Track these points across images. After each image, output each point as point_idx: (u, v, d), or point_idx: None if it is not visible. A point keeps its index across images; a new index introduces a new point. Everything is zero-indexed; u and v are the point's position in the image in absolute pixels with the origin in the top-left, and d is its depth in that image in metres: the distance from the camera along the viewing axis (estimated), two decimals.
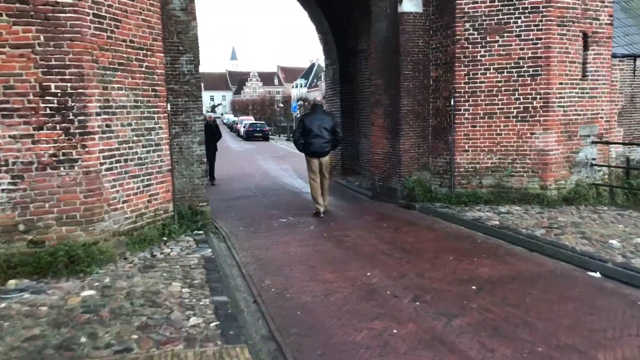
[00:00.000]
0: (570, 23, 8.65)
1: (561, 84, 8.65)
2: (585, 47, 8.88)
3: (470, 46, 8.90)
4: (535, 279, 5.38)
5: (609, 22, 9.04)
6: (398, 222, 8.29)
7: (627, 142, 10.21)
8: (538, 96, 8.63)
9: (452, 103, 9.11)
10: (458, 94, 9.04)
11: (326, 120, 9.13)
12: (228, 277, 5.61)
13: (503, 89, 8.80)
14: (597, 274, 5.46)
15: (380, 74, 10.36)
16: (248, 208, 10.13)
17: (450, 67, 9.15)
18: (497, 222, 7.58)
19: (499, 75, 8.80)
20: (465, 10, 8.87)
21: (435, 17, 9.48)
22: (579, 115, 8.90)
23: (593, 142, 9.04)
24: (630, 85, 10.40)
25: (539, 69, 8.57)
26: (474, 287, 5.14)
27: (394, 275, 5.59)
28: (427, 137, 9.79)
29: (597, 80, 9.05)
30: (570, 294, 4.90)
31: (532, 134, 8.72)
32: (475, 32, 8.86)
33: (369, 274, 5.65)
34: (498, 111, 8.87)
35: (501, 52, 8.74)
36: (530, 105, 8.69)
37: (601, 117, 9.16)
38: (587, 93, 8.94)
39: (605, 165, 9.28)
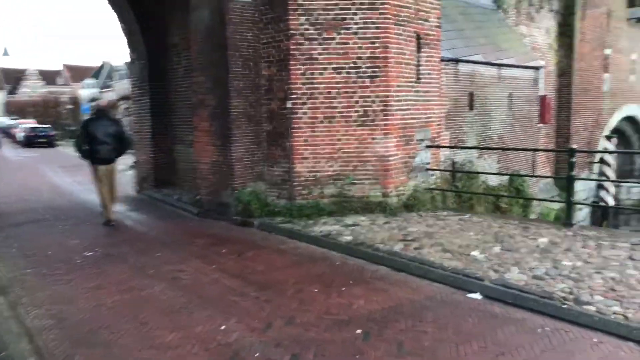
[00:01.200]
0: (405, 22, 8.33)
1: (399, 86, 8.28)
2: (419, 49, 8.66)
3: (306, 42, 8.03)
4: (420, 310, 4.61)
5: (437, 24, 8.98)
6: (239, 245, 7.01)
7: (454, 145, 10.42)
8: (377, 99, 8.12)
9: (288, 105, 8.14)
10: (295, 96, 8.10)
11: (111, 126, 8.54)
12: None
13: (342, 90, 8.11)
14: (479, 296, 4.93)
15: (204, 70, 8.92)
16: (37, 238, 7.85)
17: (284, 65, 8.16)
18: (350, 238, 6.80)
19: (338, 75, 8.08)
20: (300, 2, 7.97)
21: (265, 7, 8.39)
22: (415, 119, 8.64)
23: (427, 146, 8.89)
24: (454, 89, 10.63)
25: (378, 70, 8.07)
26: (359, 332, 4.16)
27: (257, 325, 4.33)
28: (261, 144, 8.67)
29: (429, 83, 8.91)
30: (467, 329, 4.21)
31: (372, 139, 8.18)
32: (312, 27, 8.01)
33: (223, 327, 4.31)
34: (338, 115, 8.16)
35: (339, 51, 8.04)
36: (370, 108, 8.14)
37: (433, 121, 9.06)
38: (422, 96, 8.73)
39: (437, 170, 9.23)
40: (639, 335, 3.91)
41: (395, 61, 8.21)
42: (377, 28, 8.00)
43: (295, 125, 8.14)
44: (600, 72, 16.88)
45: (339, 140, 8.19)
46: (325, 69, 8.06)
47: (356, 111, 8.14)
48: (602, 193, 16.47)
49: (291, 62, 8.05)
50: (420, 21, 8.59)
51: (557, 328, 4.15)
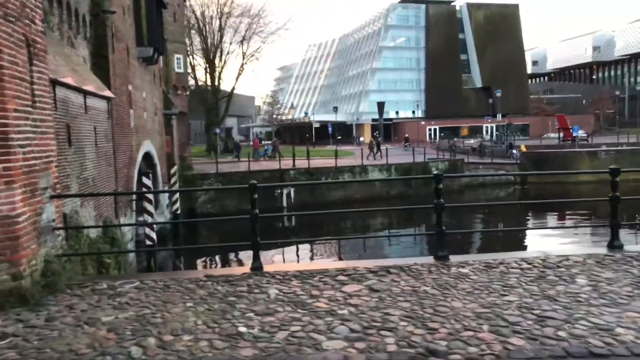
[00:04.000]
0: (13, 19, 5.67)
1: (17, 111, 5.57)
2: (30, 61, 6.09)
3: None
4: None
5: (43, 30, 6.56)
6: None
7: (80, 193, 7.80)
8: None
9: None
10: None
11: None
12: None
13: None
14: None
15: None
16: None
17: None
18: None
19: None
20: None
21: None
22: (37, 158, 6.03)
23: (51, 197, 6.38)
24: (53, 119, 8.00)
25: None
26: None
27: None
28: None
29: (44, 109, 6.40)
30: None
31: None
32: None
33: None
34: None
35: None
36: None
37: (52, 162, 6.57)
38: (39, 127, 6.16)
39: (62, 228, 6.77)
40: None
41: (10, 74, 5.49)
42: None
43: None
44: (128, 108, 16.67)
45: None
46: None
47: None
48: (147, 230, 16.31)
49: None
50: (27, 21, 6.04)
51: None
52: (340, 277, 5.96)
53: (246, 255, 18.90)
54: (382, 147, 40.88)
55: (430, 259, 6.69)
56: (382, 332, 4.31)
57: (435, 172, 7.74)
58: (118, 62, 15.40)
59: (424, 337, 4.18)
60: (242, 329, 4.50)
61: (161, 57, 23.59)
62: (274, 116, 75.16)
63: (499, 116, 62.98)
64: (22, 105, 5.67)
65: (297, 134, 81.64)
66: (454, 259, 6.65)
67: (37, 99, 6.14)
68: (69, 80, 8.19)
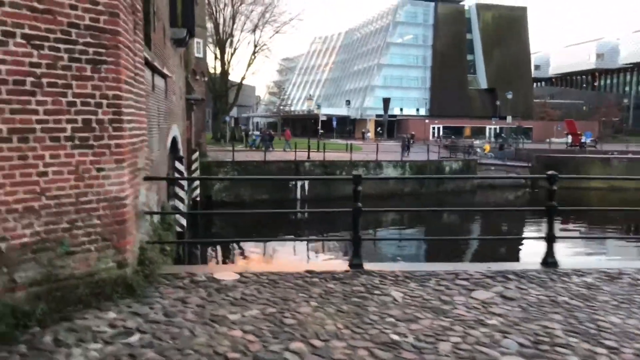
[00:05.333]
0: None
1: (127, 82, 5.09)
2: (134, 30, 5.61)
3: None
4: None
5: None
6: None
7: (167, 177, 7.30)
8: (105, 101, 4.72)
9: None
10: None
11: None
12: None
13: (47, 82, 4.29)
14: None
15: None
16: None
17: None
18: None
19: (37, 51, 4.22)
20: None
21: None
22: (137, 136, 5.55)
23: (145, 179, 5.90)
24: None
25: (104, 52, 4.69)
26: None
27: None
28: None
29: (142, 83, 5.93)
30: None
31: (99, 170, 4.71)
32: None
33: None
34: (39, 127, 4.27)
35: (36, 6, 4.21)
36: (94, 117, 4.65)
37: (145, 140, 6.09)
38: (138, 101, 5.67)
39: (154, 213, 6.30)
40: None
41: (124, 42, 5.00)
42: None
43: None
44: None
45: (42, 175, 4.31)
46: (10, 35, 4.05)
47: (70, 121, 4.48)
48: (177, 216, 15.80)
49: None
50: None
51: None
52: (460, 282, 5.54)
53: (251, 248, 18.54)
54: (387, 144, 40.48)
55: (537, 265, 6.30)
56: (558, 349, 3.90)
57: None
58: (157, 42, 14.83)
59: (610, 358, 3.77)
60: (395, 337, 4.08)
61: None
62: (280, 107, 74.40)
63: (509, 118, 62.62)
64: (129, 77, 5.19)
65: (300, 126, 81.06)
66: (564, 265, 6.26)
67: (137, 71, 5.65)
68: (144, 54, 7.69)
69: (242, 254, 18.51)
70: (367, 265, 6.10)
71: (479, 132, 78.49)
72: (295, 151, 32.09)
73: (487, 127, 79.25)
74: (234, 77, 54.62)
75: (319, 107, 55.49)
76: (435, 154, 35.93)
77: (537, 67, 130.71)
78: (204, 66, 32.30)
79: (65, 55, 4.40)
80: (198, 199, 23.65)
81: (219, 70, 49.78)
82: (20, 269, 4.18)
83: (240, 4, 48.92)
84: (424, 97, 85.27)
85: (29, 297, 4.22)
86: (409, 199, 31.97)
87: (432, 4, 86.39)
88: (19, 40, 4.09)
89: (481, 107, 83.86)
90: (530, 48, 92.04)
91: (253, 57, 50.79)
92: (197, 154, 23.43)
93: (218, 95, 49.76)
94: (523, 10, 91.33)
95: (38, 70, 4.23)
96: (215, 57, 49.48)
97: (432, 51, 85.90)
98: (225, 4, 47.77)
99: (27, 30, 4.14)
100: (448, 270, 5.97)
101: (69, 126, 4.45)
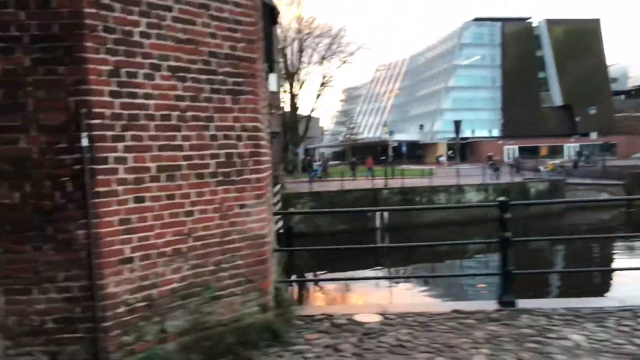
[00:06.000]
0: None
1: (263, 113, 4.78)
2: (262, 56, 5.36)
3: (116, 5, 3.62)
4: None
5: None
6: None
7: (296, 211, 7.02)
8: (245, 133, 4.42)
9: (84, 143, 3.44)
10: (98, 121, 3.50)
11: None
12: None
13: (190, 115, 4.03)
14: None
15: None
16: None
17: (67, 50, 3.44)
18: None
19: (180, 83, 3.98)
20: None
21: None
22: (271, 168, 5.23)
23: (274, 214, 5.55)
24: None
25: (243, 80, 4.41)
26: None
27: None
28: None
29: (270, 112, 5.66)
30: None
31: (241, 207, 4.38)
32: None
33: None
34: (185, 164, 4.00)
35: (180, 35, 3.98)
36: (235, 150, 4.34)
37: (271, 169, 5.78)
38: (268, 128, 5.38)
39: (283, 250, 5.93)
40: None
41: (261, 69, 4.73)
42: (237, 4, 4.37)
43: (101, 188, 3.51)
44: None
45: (188, 214, 4.01)
46: (156, 67, 3.83)
47: (214, 156, 4.19)
48: None
49: (86, 41, 3.45)
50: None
51: None
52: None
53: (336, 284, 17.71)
54: (460, 167, 39.10)
55: None
56: None
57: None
58: None
59: None
60: None
61: None
62: (348, 135, 74.43)
63: (594, 134, 59.32)
64: (263, 107, 4.88)
65: (368, 153, 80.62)
66: None
67: (265, 101, 5.36)
68: None
69: (346, 289, 17.74)
70: (520, 303, 5.42)
71: (555, 151, 74.99)
72: (372, 179, 31.56)
73: (565, 145, 75.66)
74: (300, 109, 55.32)
75: (392, 133, 54.94)
76: (509, 176, 34.33)
77: (613, 79, 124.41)
78: (277, 100, 32.68)
79: (207, 87, 4.14)
80: (281, 231, 23.52)
81: (288, 103, 50.50)
82: (170, 318, 3.86)
83: (307, 37, 49.71)
84: (495, 118, 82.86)
85: (179, 348, 3.88)
86: (494, 225, 30.43)
87: (499, 23, 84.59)
88: (164, 72, 3.86)
89: (557, 125, 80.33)
90: (606, 61, 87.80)
91: (321, 88, 51.23)
92: (278, 186, 23.39)
93: (288, 128, 50.33)
94: (596, 22, 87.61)
95: (182, 104, 3.98)
96: (284, 90, 50.30)
97: (502, 71, 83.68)
98: (293, 38, 48.69)
99: (172, 62, 3.91)
100: (618, 306, 5.18)
101: (212, 161, 4.16)
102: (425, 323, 4.91)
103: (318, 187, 31.57)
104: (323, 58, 50.95)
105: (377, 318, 5.10)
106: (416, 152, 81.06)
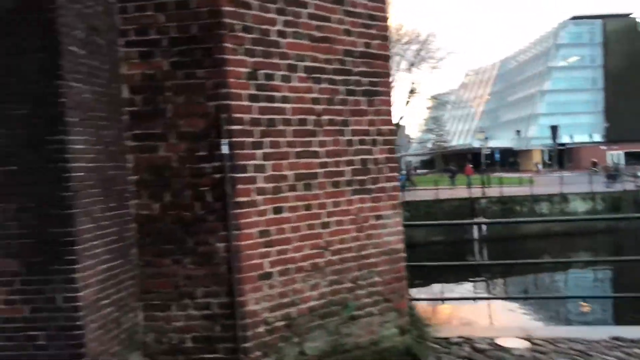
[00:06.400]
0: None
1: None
2: None
3: (254, 2, 3.40)
4: None
5: None
6: None
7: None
8: (380, 138, 4.06)
9: (224, 150, 3.23)
10: (238, 127, 3.28)
11: None
12: None
13: (325, 119, 3.74)
14: None
15: None
16: None
17: (205, 53, 3.25)
18: None
19: (315, 85, 3.70)
20: None
21: None
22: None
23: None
24: None
25: (377, 80, 4.06)
26: None
27: None
28: (129, 252, 3.30)
29: None
30: None
31: (377, 218, 4.02)
32: None
33: None
34: (321, 171, 3.70)
35: (315, 33, 3.70)
36: (370, 157, 4.00)
37: None
38: None
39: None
40: None
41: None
42: None
43: (242, 198, 3.28)
44: None
45: (324, 226, 3.70)
46: (292, 69, 3.57)
47: (349, 162, 3.87)
48: None
49: (225, 42, 3.25)
50: None
51: None
52: None
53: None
54: (560, 175, 36.52)
55: None
56: None
57: None
58: None
59: None
60: None
61: None
62: (437, 143, 72.71)
63: None
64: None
65: (457, 160, 78.24)
66: None
67: None
68: None
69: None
70: None
71: None
72: (472, 187, 30.33)
73: None
74: None
75: (487, 139, 52.94)
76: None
77: None
78: None
79: (342, 88, 3.84)
80: None
81: None
82: (309, 339, 3.56)
83: (396, 44, 49.05)
84: (597, 122, 77.55)
85: None
86: (602, 237, 28.15)
87: (599, 21, 79.32)
88: (301, 74, 3.60)
89: None
90: None
91: (410, 95, 50.30)
92: None
93: None
94: None
95: (318, 107, 3.69)
96: None
97: (603, 71, 78.25)
98: None
99: (308, 63, 3.64)
100: None
101: (348, 168, 3.84)
102: (584, 352, 4.27)
103: (409, 196, 30.76)
104: (412, 65, 49.99)
105: (524, 343, 4.53)
106: (509, 159, 77.53)
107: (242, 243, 3.27)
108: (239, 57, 3.32)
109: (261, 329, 3.33)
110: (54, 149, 2.65)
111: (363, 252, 3.91)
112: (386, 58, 4.15)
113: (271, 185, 3.42)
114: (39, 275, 2.70)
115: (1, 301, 2.72)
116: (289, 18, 3.54)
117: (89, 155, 2.85)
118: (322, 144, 3.71)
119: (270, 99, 3.45)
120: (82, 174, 2.77)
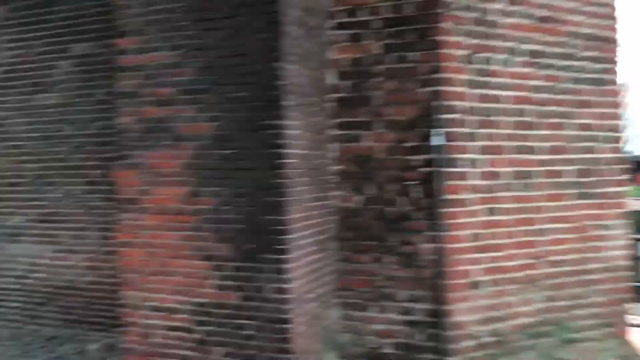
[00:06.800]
0: None
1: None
2: None
3: None
4: None
5: None
6: None
7: None
8: (608, 134, 3.47)
9: (435, 142, 2.93)
10: (453, 115, 2.96)
11: None
12: None
13: (546, 109, 3.26)
14: None
15: (178, 48, 2.99)
16: None
17: (421, 33, 2.98)
18: None
19: (537, 71, 3.24)
20: None
21: None
22: None
23: None
24: None
25: (606, 67, 3.47)
26: None
27: None
28: (327, 246, 3.16)
29: None
30: None
31: (600, 227, 3.43)
32: None
33: None
34: (540, 169, 3.23)
35: (538, 13, 3.24)
36: (592, 156, 3.42)
37: None
38: None
39: None
40: None
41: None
42: None
43: (452, 196, 2.95)
44: None
45: (538, 233, 3.23)
46: (513, 52, 3.15)
47: (572, 162, 3.34)
48: None
49: (442, 22, 2.94)
50: None
51: None
52: None
53: None
54: None
55: None
56: None
57: None
58: None
59: None
60: None
61: None
62: None
63: None
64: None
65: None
66: None
67: None
68: None
69: None
70: None
71: None
72: None
73: None
74: None
75: None
76: None
77: None
78: None
79: (565, 75, 3.32)
80: None
81: None
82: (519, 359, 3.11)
83: None
84: None
85: None
86: None
87: None
88: (521, 58, 3.17)
89: None
90: None
91: None
92: None
93: None
94: None
95: (538, 96, 3.23)
96: None
97: None
98: None
99: (529, 46, 3.19)
100: None
101: (570, 168, 3.32)
102: None
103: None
104: None
105: None
106: None
107: (451, 246, 2.94)
108: (454, 38, 2.99)
109: (468, 343, 2.97)
110: (272, 133, 2.55)
111: (583, 267, 3.35)
112: (616, 42, 3.54)
113: (485, 182, 3.04)
114: (250, 262, 2.62)
115: (214, 286, 2.69)
116: None
117: (301, 142, 2.72)
118: (541, 138, 3.24)
119: (487, 86, 3.07)
120: (296, 161, 2.64)
